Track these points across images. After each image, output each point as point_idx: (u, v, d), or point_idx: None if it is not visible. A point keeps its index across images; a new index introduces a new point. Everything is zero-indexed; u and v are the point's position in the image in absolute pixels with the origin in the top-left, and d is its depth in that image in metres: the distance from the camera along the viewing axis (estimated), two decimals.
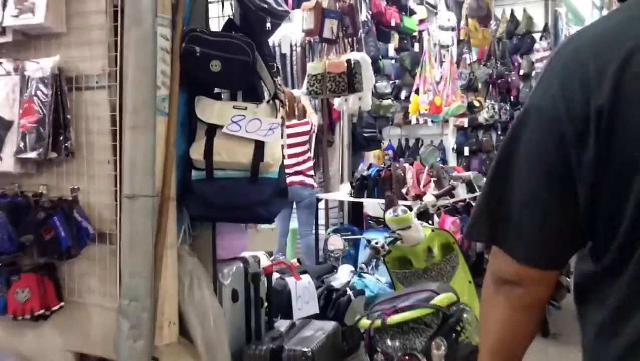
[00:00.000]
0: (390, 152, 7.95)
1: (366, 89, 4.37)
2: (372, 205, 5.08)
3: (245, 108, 2.05)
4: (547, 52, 7.55)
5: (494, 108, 6.55)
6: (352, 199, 4.96)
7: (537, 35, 7.71)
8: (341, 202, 5.38)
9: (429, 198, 3.23)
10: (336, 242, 3.37)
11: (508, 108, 6.80)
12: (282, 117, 2.25)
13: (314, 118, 4.77)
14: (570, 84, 0.77)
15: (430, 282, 2.78)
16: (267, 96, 2.15)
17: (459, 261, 3.12)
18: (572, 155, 0.76)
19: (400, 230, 2.98)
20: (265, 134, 1.98)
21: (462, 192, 5.28)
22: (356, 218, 5.43)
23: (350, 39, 4.38)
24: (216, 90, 2.22)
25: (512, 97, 7.42)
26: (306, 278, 2.86)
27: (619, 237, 0.76)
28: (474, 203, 5.28)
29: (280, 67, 5.80)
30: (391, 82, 6.48)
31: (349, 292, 3.11)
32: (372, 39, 5.65)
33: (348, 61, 4.11)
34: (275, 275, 2.77)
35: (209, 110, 2.09)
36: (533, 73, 7.58)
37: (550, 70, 0.81)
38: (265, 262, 2.50)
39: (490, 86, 6.71)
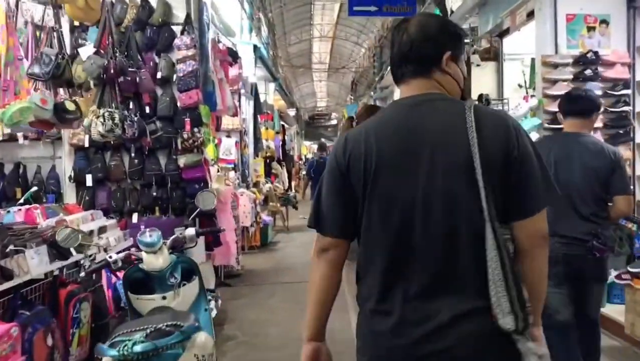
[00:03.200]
0: None
1: None
2: None
3: None
4: (192, 51, 5.76)
5: (114, 118, 4.35)
6: None
7: (177, 29, 5.89)
8: None
9: None
10: None
11: (136, 118, 4.64)
12: None
13: None
14: (338, 152, 1.73)
15: None
16: None
17: None
18: (343, 183, 1.70)
19: None
20: None
21: (35, 266, 2.87)
22: None
23: None
24: None
25: (146, 106, 5.37)
26: None
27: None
28: (65, 277, 3.09)
29: None
30: None
31: None
32: None
33: None
34: None
35: None
36: (174, 77, 5.72)
37: (336, 144, 1.81)
38: None
39: (109, 86, 4.50)
